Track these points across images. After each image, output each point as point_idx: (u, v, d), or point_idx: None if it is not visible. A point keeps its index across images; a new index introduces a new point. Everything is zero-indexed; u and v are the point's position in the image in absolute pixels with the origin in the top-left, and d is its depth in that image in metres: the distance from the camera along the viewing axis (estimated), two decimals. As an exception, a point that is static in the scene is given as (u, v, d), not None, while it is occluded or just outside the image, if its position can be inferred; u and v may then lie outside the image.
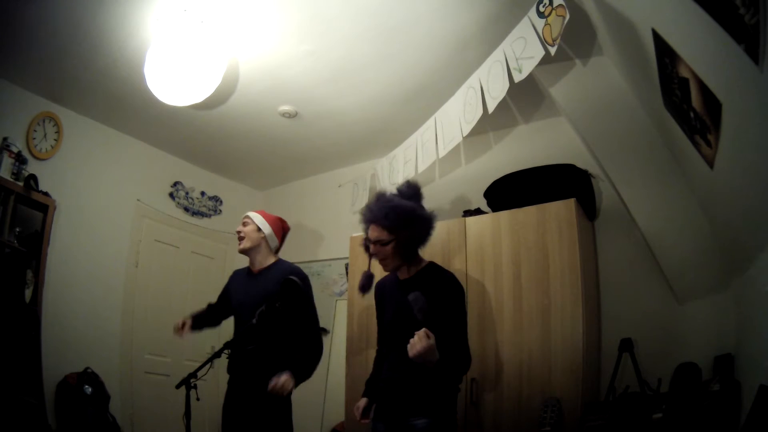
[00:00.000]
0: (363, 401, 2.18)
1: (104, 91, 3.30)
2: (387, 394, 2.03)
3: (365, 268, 2.23)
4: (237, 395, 2.44)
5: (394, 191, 2.23)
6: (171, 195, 4.23)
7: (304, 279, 2.50)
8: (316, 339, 2.51)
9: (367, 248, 2.16)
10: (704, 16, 1.28)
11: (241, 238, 2.60)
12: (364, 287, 2.17)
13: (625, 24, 1.95)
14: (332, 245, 4.23)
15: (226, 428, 2.45)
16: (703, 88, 1.53)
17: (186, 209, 4.32)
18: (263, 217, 2.66)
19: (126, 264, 3.83)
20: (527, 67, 2.18)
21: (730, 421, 1.79)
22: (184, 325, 2.67)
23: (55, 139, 3.42)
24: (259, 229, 2.61)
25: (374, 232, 2.05)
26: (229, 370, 2.49)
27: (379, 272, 2.24)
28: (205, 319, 2.77)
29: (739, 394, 1.85)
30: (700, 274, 2.47)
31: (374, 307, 2.33)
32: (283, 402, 2.39)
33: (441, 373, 1.86)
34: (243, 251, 2.62)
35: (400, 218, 2.03)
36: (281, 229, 2.72)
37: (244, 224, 2.63)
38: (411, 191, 2.19)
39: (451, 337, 1.91)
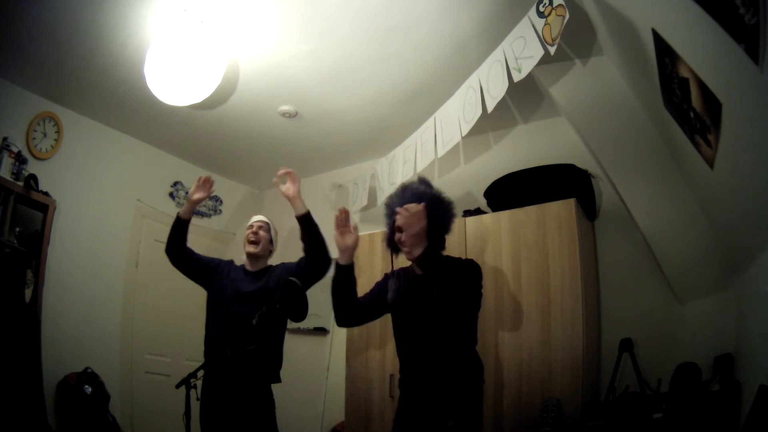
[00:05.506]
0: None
1: (104, 91, 3.30)
2: (413, 396, 2.00)
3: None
4: (222, 396, 2.40)
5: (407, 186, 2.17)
6: (171, 195, 4.23)
7: None
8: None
9: (389, 243, 2.13)
10: (704, 16, 1.28)
11: (254, 243, 2.64)
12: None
13: (625, 24, 1.95)
14: (332, 245, 4.21)
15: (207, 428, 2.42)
16: (703, 88, 1.53)
17: (186, 209, 4.32)
18: (275, 233, 2.76)
19: (126, 264, 3.83)
20: (527, 67, 2.18)
21: (730, 421, 1.79)
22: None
23: (55, 139, 3.42)
24: (270, 242, 2.72)
25: (401, 218, 1.97)
26: (214, 372, 2.39)
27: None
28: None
29: (739, 394, 1.85)
30: (700, 274, 2.47)
31: None
32: (268, 403, 2.43)
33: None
34: (253, 255, 2.65)
35: (426, 200, 2.01)
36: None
37: (261, 228, 2.68)
38: (425, 184, 2.14)
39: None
